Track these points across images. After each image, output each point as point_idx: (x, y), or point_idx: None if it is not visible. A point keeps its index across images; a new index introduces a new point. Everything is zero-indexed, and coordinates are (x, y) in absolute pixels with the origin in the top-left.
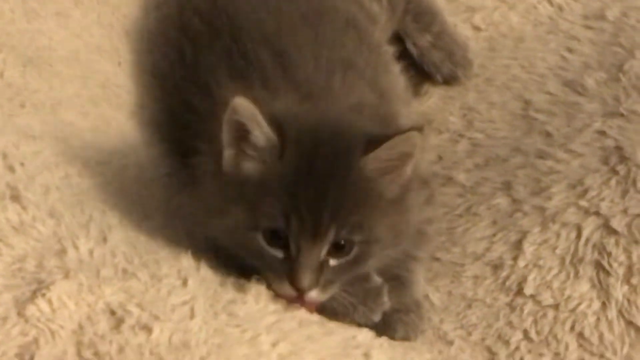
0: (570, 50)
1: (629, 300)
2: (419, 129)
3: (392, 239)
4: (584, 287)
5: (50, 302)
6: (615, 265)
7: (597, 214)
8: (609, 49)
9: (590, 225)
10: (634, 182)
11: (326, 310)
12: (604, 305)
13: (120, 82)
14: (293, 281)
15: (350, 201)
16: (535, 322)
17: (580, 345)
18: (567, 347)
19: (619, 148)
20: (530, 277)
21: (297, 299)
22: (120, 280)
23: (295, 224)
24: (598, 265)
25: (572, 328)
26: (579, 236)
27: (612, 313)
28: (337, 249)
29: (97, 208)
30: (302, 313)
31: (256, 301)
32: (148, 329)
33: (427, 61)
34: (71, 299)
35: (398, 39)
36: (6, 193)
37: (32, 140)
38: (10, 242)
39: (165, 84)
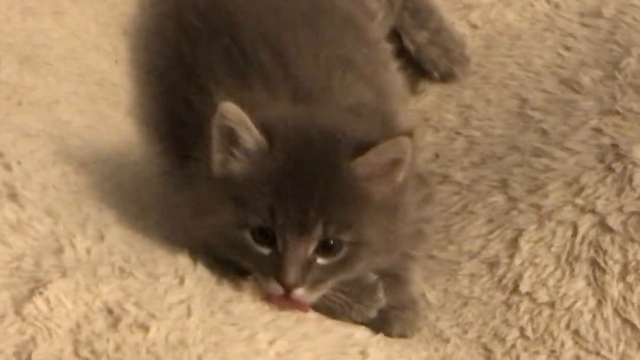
0: (566, 47)
1: (624, 298)
2: (409, 134)
3: (383, 244)
4: (580, 284)
5: (47, 300)
6: (610, 263)
7: (593, 211)
8: (605, 47)
9: (586, 223)
10: (630, 180)
11: (322, 308)
12: (599, 303)
13: (117, 80)
14: (279, 277)
15: (337, 199)
16: (531, 319)
17: (576, 343)
18: (562, 345)
19: (615, 146)
20: (526, 275)
21: (285, 298)
22: (117, 278)
23: (281, 219)
24: (594, 263)
25: (568, 326)
26: (574, 234)
27: (608, 311)
28: (325, 248)
29: (94, 206)
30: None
31: (253, 299)
32: (145, 328)
33: (424, 58)
34: (68, 297)
35: (395, 36)
36: (3, 192)
37: (28, 139)
38: (7, 241)
39: (162, 82)
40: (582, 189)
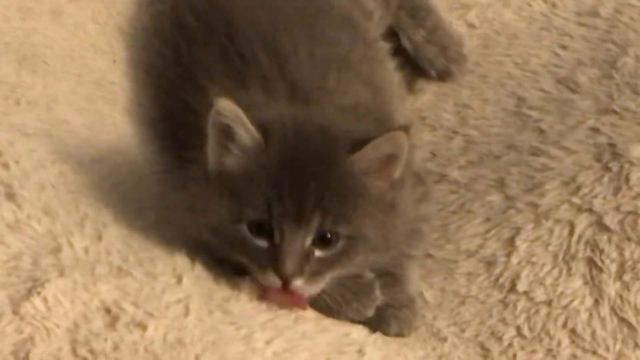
0: (563, 47)
1: (621, 297)
2: (405, 129)
3: (380, 240)
4: (577, 283)
5: (45, 300)
6: (607, 262)
7: (590, 211)
8: (602, 46)
9: (583, 222)
10: (627, 179)
11: (320, 307)
12: (596, 302)
13: (115, 79)
14: (277, 268)
15: (334, 192)
16: (528, 318)
17: (572, 342)
18: (559, 344)
19: (611, 145)
20: (523, 274)
21: (283, 291)
22: (115, 278)
23: (278, 210)
24: (591, 262)
25: (565, 324)
26: (571, 233)
27: (605, 310)
28: (322, 240)
29: (92, 206)
30: (296, 310)
31: (250, 299)
32: (143, 327)
33: (422, 57)
34: (66, 296)
35: (392, 34)
36: (1, 191)
37: (26, 138)
38: (5, 240)
39: (160, 82)
40: (579, 188)
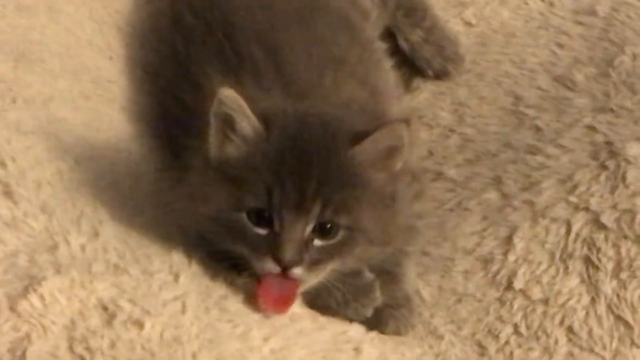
0: (560, 45)
1: (618, 295)
2: (406, 121)
3: (379, 233)
4: (574, 282)
5: (42, 297)
6: (604, 260)
7: (586, 209)
8: (599, 45)
9: (579, 221)
10: (624, 178)
11: (318, 305)
12: (593, 300)
13: (112, 77)
14: (276, 255)
15: (335, 182)
16: (524, 316)
17: (569, 340)
18: (556, 342)
19: (608, 143)
20: (520, 272)
21: (282, 277)
22: (112, 275)
23: (278, 198)
24: (587, 261)
25: (562, 322)
26: (568, 231)
27: (601, 308)
28: (322, 230)
29: (89, 203)
30: (293, 308)
31: (248, 296)
32: (140, 324)
33: (419, 56)
34: (63, 294)
35: (389, 34)
36: None
37: (23, 136)
38: (2, 238)
39: (157, 79)
40: (575, 186)
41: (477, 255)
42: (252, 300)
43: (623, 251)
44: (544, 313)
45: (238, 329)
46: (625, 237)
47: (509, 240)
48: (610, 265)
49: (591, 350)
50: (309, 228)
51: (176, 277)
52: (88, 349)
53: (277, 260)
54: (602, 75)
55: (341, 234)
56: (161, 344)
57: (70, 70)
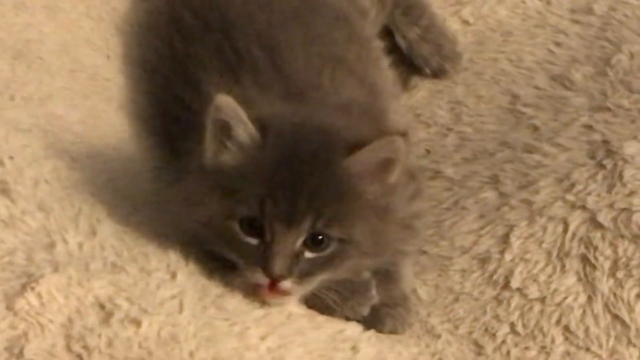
0: (557, 44)
1: (614, 294)
2: (403, 134)
3: (372, 245)
4: (570, 280)
5: (39, 295)
6: (601, 259)
7: (583, 208)
8: (597, 43)
9: (576, 219)
10: (621, 177)
11: (315, 305)
12: (589, 299)
13: (109, 75)
14: (266, 268)
15: (328, 194)
16: (521, 315)
17: (566, 339)
18: (553, 341)
19: (605, 142)
20: (517, 271)
21: (270, 290)
22: (109, 273)
23: (270, 209)
24: (584, 259)
25: (558, 321)
26: (565, 230)
27: (598, 307)
28: (314, 242)
29: (86, 201)
30: (290, 307)
31: (245, 295)
32: (137, 323)
33: (416, 54)
34: (60, 292)
35: (387, 32)
36: None
37: (21, 134)
38: None
39: (154, 78)
40: (572, 185)
41: (474, 254)
42: (249, 298)
43: (620, 250)
44: (541, 312)
45: (235, 327)
46: (622, 236)
47: (506, 239)
48: (607, 264)
49: (588, 349)
50: (300, 241)
51: (173, 275)
52: (85, 347)
53: (267, 272)
54: (600, 74)
55: (333, 246)
56: (158, 343)
57: (67, 68)
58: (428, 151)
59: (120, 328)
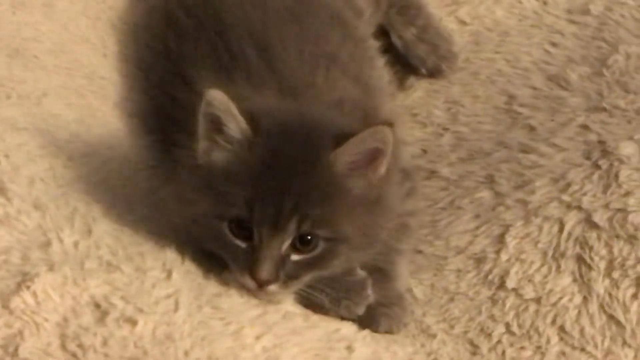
0: (554, 44)
1: (610, 294)
2: (390, 124)
3: (362, 240)
4: (566, 281)
5: (34, 294)
6: (596, 259)
7: (579, 208)
8: (593, 44)
9: (572, 220)
10: (616, 177)
11: (309, 304)
12: (585, 299)
13: (105, 73)
14: (252, 273)
15: (314, 194)
16: (517, 315)
17: (561, 339)
18: (548, 341)
19: (601, 142)
20: (513, 271)
21: (257, 292)
22: (104, 272)
23: (258, 213)
24: (580, 259)
25: (554, 321)
26: (561, 230)
27: (594, 307)
28: (302, 243)
29: (82, 200)
30: (286, 306)
31: (240, 294)
32: (132, 322)
33: (412, 54)
34: (56, 291)
35: (383, 32)
36: None
37: (17, 132)
38: None
39: (150, 77)
40: (568, 185)
41: (469, 254)
42: (244, 297)
43: (615, 250)
44: (536, 312)
45: (230, 326)
46: (618, 236)
47: (501, 239)
48: (602, 265)
49: (583, 349)
50: (286, 244)
51: (169, 274)
52: (80, 346)
53: (253, 277)
54: (596, 75)
55: (321, 246)
56: (153, 342)
57: (64, 66)
58: (424, 151)
59: (116, 327)
